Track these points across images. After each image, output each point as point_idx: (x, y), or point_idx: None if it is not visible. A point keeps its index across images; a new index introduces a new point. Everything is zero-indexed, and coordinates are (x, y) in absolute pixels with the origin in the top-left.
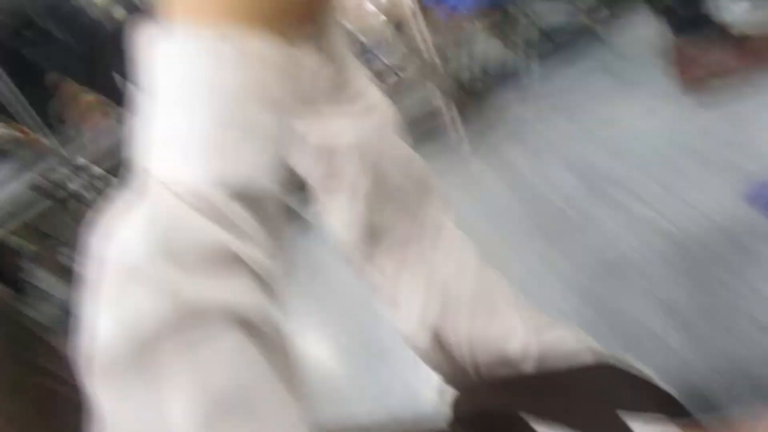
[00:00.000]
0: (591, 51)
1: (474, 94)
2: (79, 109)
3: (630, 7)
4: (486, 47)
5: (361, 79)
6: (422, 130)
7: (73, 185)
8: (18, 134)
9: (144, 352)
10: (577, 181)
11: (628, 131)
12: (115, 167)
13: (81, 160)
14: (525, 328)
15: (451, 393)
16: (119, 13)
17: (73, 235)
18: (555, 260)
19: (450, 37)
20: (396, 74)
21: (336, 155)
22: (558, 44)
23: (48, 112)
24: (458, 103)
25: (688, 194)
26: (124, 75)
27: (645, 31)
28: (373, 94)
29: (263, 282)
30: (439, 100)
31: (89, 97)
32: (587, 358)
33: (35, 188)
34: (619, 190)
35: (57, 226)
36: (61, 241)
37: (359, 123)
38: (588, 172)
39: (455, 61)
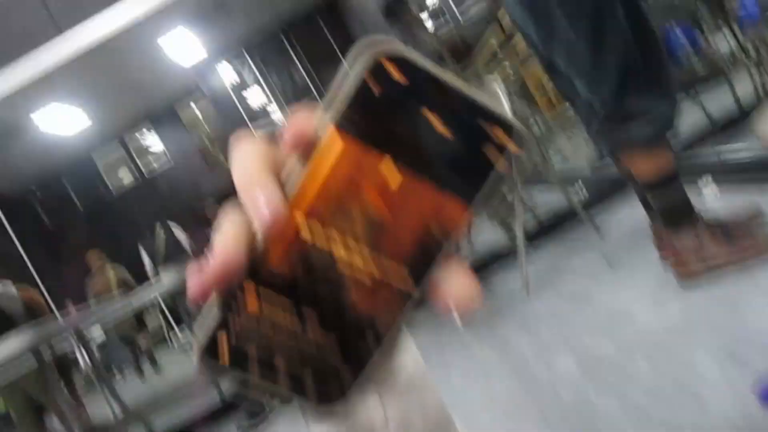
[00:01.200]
0: (585, 237)
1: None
2: (98, 282)
3: (622, 198)
4: (484, 232)
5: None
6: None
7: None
8: (30, 298)
9: None
10: (573, 364)
11: (620, 312)
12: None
13: (87, 329)
14: None
15: None
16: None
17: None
18: None
19: None
20: None
21: None
22: (552, 229)
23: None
24: None
25: (700, 389)
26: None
27: (636, 219)
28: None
29: None
30: None
31: (111, 270)
32: None
33: (35, 352)
34: (615, 374)
35: (46, 390)
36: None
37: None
38: (584, 354)
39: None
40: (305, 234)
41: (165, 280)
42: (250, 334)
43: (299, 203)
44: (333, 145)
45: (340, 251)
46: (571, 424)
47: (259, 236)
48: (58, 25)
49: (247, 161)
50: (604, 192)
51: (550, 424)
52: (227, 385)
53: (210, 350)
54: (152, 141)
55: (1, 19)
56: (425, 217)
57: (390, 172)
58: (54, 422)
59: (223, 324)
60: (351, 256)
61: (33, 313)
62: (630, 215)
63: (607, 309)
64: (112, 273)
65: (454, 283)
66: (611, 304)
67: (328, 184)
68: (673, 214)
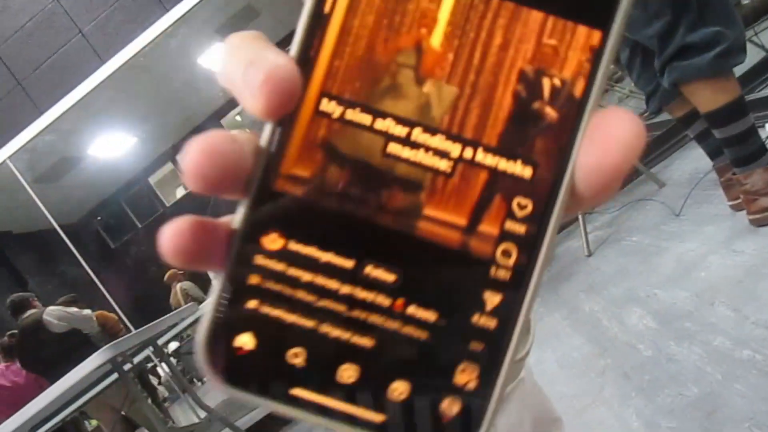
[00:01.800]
0: (643, 190)
1: None
2: (172, 297)
3: (680, 144)
4: None
5: None
6: None
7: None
8: (105, 318)
9: None
10: (648, 318)
11: (690, 261)
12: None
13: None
14: None
15: None
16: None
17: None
18: (636, 402)
19: None
20: None
21: None
22: None
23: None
24: None
25: (762, 316)
26: None
27: (697, 165)
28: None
29: None
30: None
31: (177, 285)
32: None
33: (114, 365)
34: (692, 322)
35: (131, 402)
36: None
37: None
38: (658, 306)
39: None
40: (326, 105)
41: None
42: (283, 309)
43: (310, 66)
44: None
45: (388, 124)
46: (655, 377)
47: (267, 137)
48: (99, 55)
49: (229, 41)
50: (655, 145)
51: (632, 380)
52: None
53: (222, 342)
54: None
55: (46, 56)
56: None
57: None
58: None
59: (238, 301)
60: (412, 129)
61: (109, 331)
62: (685, 164)
63: (676, 259)
64: (178, 287)
65: (602, 127)
66: (680, 253)
67: (348, 30)
68: (741, 151)
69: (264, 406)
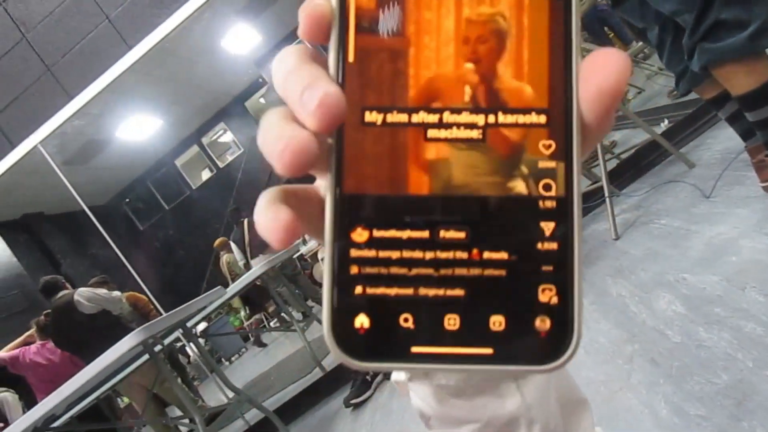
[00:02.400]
0: (672, 172)
1: None
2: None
3: (711, 123)
4: None
5: None
6: None
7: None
8: (136, 299)
9: None
10: (677, 303)
11: (721, 245)
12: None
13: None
14: None
15: None
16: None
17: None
18: (665, 389)
19: None
20: None
21: None
22: (635, 168)
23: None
24: None
25: None
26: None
27: (728, 145)
28: None
29: None
30: None
31: (225, 256)
32: None
33: (146, 347)
34: (722, 307)
35: (162, 382)
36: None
37: (530, 383)
38: (687, 291)
39: None
40: (370, 116)
41: (255, 267)
42: (386, 287)
43: (349, 87)
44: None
45: (422, 116)
46: (685, 363)
47: (329, 147)
48: (125, 41)
49: (285, 60)
50: (685, 125)
51: (661, 366)
52: (329, 359)
53: (346, 329)
54: (224, 135)
55: (75, 42)
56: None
57: None
58: (175, 411)
59: (348, 291)
60: (442, 114)
61: (140, 311)
62: (716, 144)
63: (706, 242)
64: (224, 257)
65: (593, 63)
66: (710, 236)
67: (358, 46)
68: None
69: (395, 369)
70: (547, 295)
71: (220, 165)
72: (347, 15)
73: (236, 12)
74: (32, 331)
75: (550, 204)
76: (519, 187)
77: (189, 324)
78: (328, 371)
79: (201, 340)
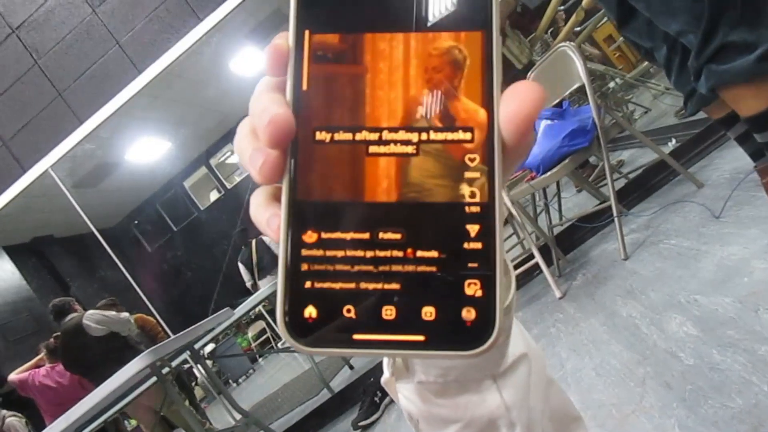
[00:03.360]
0: (681, 192)
1: (565, 242)
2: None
3: (718, 144)
4: (572, 200)
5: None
6: (516, 277)
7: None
8: (144, 321)
9: None
10: (689, 324)
11: (732, 265)
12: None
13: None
14: None
15: None
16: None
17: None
18: (678, 413)
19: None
20: None
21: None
22: (643, 188)
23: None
24: (549, 250)
25: None
26: None
27: (736, 165)
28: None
29: None
30: (532, 249)
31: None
32: None
33: (154, 369)
34: (736, 329)
35: (170, 404)
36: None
37: (509, 386)
38: (699, 313)
39: (543, 211)
40: (320, 135)
41: (263, 288)
42: (331, 282)
43: (302, 110)
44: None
45: (364, 134)
46: (698, 387)
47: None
48: (135, 65)
49: (256, 89)
50: (693, 144)
51: (674, 389)
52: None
53: (296, 318)
54: (232, 157)
55: (85, 67)
56: (438, 56)
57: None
58: None
59: (299, 285)
60: (381, 132)
61: (148, 333)
62: (725, 164)
63: (717, 263)
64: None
65: (513, 92)
66: (722, 257)
67: (310, 76)
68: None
69: (339, 355)
70: (472, 288)
71: (228, 186)
72: (301, 50)
73: (244, 35)
74: (42, 354)
75: (474, 209)
76: (448, 194)
77: (197, 345)
78: (336, 393)
79: (208, 362)
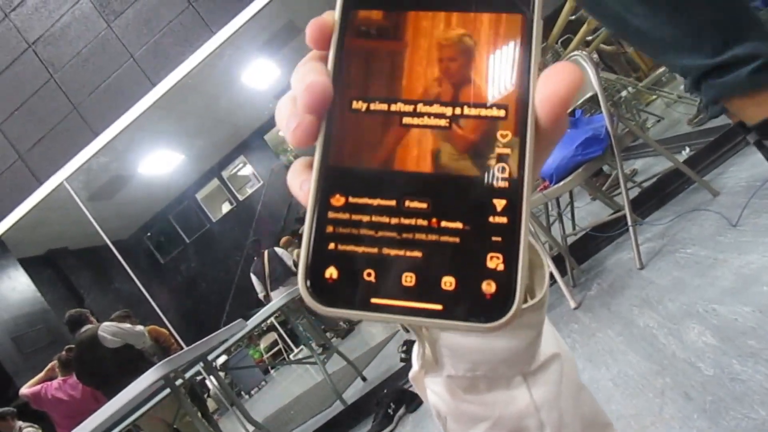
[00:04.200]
0: (696, 200)
1: (579, 251)
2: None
3: (734, 151)
4: (588, 205)
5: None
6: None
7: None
8: (158, 334)
9: None
10: (708, 334)
11: (751, 274)
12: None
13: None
14: None
15: None
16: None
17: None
18: (699, 424)
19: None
20: None
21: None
22: (657, 196)
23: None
24: (563, 259)
25: None
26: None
27: (752, 172)
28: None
29: None
30: (546, 259)
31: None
32: None
33: (167, 381)
34: (756, 339)
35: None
36: None
37: (540, 385)
38: (717, 322)
39: (557, 220)
40: (356, 105)
41: (276, 299)
42: (355, 245)
43: (341, 80)
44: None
45: (399, 106)
46: (719, 397)
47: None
48: (149, 78)
49: (301, 60)
50: (707, 152)
51: (694, 401)
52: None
53: (317, 278)
54: (244, 168)
55: (101, 80)
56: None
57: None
58: None
59: (322, 246)
60: (416, 105)
61: (161, 344)
62: (741, 172)
63: (735, 272)
64: (295, 253)
65: (550, 74)
66: (739, 266)
67: (351, 49)
68: None
69: (356, 317)
70: (494, 262)
71: (240, 198)
72: (345, 24)
73: (257, 48)
74: (52, 364)
75: (503, 184)
76: (477, 168)
77: (210, 357)
78: (350, 405)
79: (221, 374)
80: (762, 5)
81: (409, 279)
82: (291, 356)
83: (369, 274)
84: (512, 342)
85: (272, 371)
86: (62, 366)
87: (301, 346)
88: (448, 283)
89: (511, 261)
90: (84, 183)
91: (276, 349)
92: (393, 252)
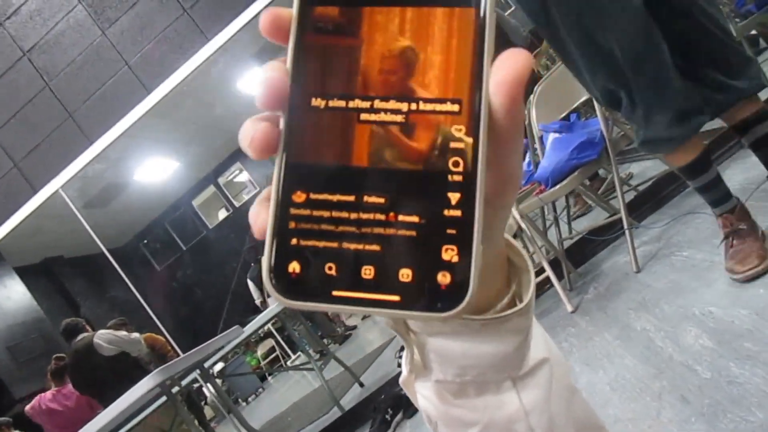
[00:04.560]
0: (691, 203)
1: (576, 255)
2: None
3: (727, 155)
4: (585, 210)
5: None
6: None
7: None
8: (154, 341)
9: None
10: (705, 337)
11: (758, 280)
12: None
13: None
14: None
15: None
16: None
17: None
18: (697, 427)
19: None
20: None
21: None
22: (657, 199)
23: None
24: (559, 263)
25: None
26: None
27: (747, 175)
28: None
29: None
30: (542, 263)
31: None
32: None
33: (163, 388)
34: (753, 342)
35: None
36: None
37: (529, 389)
38: (714, 325)
39: (553, 224)
40: (315, 102)
41: (273, 305)
42: (316, 240)
43: (299, 77)
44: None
45: (356, 102)
46: (716, 400)
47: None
48: (144, 86)
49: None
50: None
51: (691, 404)
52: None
53: (280, 272)
54: (240, 175)
55: (95, 88)
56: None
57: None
58: None
59: (285, 241)
60: (372, 101)
61: (158, 352)
62: (735, 175)
63: (712, 266)
64: None
65: (501, 60)
66: (719, 260)
67: (307, 46)
68: None
69: (319, 309)
70: (449, 254)
71: (237, 204)
72: (300, 21)
73: (251, 55)
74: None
75: (457, 178)
76: (432, 162)
77: (206, 364)
78: (347, 411)
79: (218, 381)
80: (755, 9)
81: (368, 272)
82: (288, 363)
83: (330, 268)
84: (500, 346)
85: (269, 378)
86: (53, 376)
87: (299, 353)
88: (405, 275)
89: (465, 253)
90: (79, 191)
91: (273, 355)
92: (352, 246)
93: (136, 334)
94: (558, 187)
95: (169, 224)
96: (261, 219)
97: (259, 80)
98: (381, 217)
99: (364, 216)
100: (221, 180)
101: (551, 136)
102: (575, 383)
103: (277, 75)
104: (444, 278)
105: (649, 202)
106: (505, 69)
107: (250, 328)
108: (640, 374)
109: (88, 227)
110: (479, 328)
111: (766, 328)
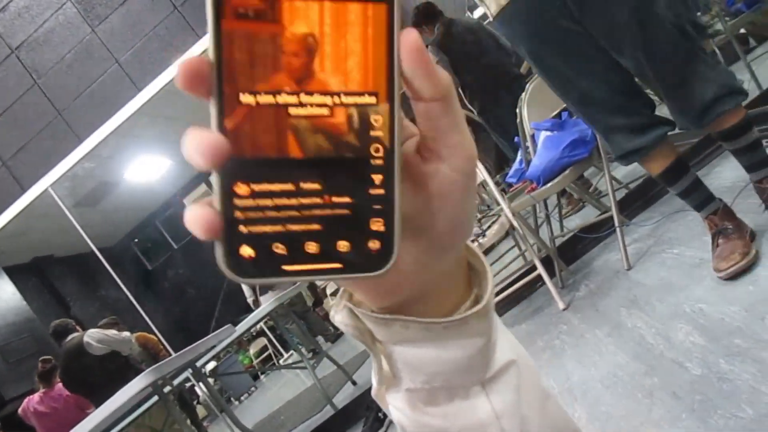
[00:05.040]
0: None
1: (568, 253)
2: None
3: (717, 153)
4: (575, 208)
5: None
6: (518, 289)
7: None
8: (145, 340)
9: None
10: (695, 334)
11: (748, 277)
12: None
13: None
14: None
15: None
16: None
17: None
18: (688, 424)
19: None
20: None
21: None
22: (648, 197)
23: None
24: (551, 261)
25: None
26: None
27: (737, 173)
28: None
29: None
30: (534, 260)
31: None
32: None
33: (155, 388)
34: (743, 338)
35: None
36: None
37: (498, 393)
38: (705, 322)
39: (545, 222)
40: (245, 99)
41: (265, 305)
42: (262, 225)
43: (224, 72)
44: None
45: (284, 97)
46: (707, 397)
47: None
48: (135, 83)
49: None
50: (692, 154)
51: (682, 401)
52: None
53: (234, 256)
54: None
55: (85, 86)
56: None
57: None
58: None
59: (234, 229)
60: (296, 97)
61: (150, 351)
62: (725, 173)
63: (702, 263)
64: None
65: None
66: (707, 257)
67: (226, 36)
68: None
69: (272, 283)
70: (377, 225)
71: None
72: (217, 9)
73: None
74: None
75: (379, 162)
76: (356, 149)
77: (198, 363)
78: (340, 409)
79: (210, 380)
80: (744, 8)
81: (312, 247)
82: (281, 361)
83: (278, 248)
84: (464, 350)
85: (262, 377)
86: (41, 378)
87: (291, 351)
88: (343, 246)
89: (389, 223)
90: (69, 189)
91: (266, 354)
92: (295, 227)
93: (126, 333)
94: (550, 184)
95: (161, 223)
96: (202, 217)
97: (177, 64)
98: (318, 200)
99: (303, 201)
100: (212, 178)
101: (543, 134)
102: (568, 380)
103: (197, 59)
104: (374, 245)
105: (639, 200)
106: (402, 44)
107: (242, 327)
108: (631, 371)
109: (78, 226)
110: (442, 332)
111: (755, 325)
